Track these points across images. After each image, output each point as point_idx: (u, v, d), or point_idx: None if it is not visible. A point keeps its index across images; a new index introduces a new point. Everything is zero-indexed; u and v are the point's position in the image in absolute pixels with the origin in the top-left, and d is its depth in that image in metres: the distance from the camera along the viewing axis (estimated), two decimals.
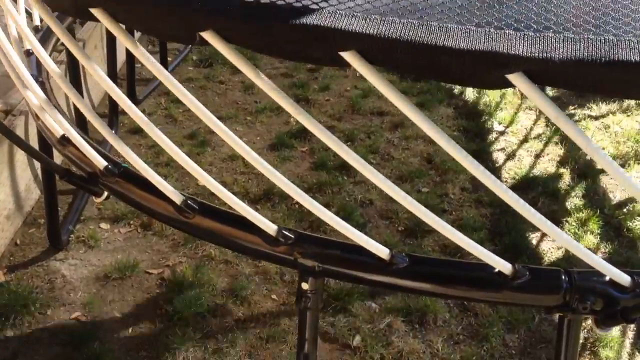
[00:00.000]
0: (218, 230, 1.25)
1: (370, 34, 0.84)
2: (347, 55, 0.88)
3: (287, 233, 1.18)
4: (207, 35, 0.96)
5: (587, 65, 0.77)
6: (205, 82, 3.91)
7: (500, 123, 3.55)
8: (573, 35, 0.77)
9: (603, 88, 0.84)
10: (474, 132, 3.46)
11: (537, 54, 0.78)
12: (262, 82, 1.02)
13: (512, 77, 0.81)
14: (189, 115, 3.42)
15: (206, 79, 3.96)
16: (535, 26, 0.79)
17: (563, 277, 1.13)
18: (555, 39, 0.77)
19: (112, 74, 3.12)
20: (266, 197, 2.80)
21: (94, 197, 1.44)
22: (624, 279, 1.10)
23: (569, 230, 2.63)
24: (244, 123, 3.48)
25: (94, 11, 1.04)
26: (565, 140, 3.30)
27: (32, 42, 1.34)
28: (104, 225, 2.55)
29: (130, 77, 3.38)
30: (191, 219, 1.25)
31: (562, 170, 3.10)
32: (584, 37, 0.77)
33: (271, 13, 0.89)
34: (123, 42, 1.09)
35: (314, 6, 0.88)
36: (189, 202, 1.24)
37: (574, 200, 2.87)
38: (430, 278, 1.21)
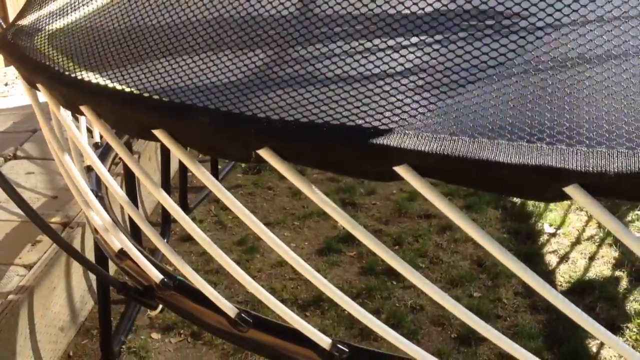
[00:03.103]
0: (272, 344, 1.25)
1: (422, 150, 0.86)
2: (400, 170, 0.90)
3: (341, 347, 1.16)
4: (263, 153, 0.99)
5: None
6: (254, 189, 3.99)
7: (551, 225, 3.50)
8: (627, 151, 0.78)
9: None
10: (524, 234, 3.41)
11: (591, 168, 0.78)
12: (317, 197, 1.04)
13: (568, 190, 0.82)
14: (238, 222, 3.47)
15: (254, 185, 4.04)
16: (587, 142, 0.80)
17: None
18: (609, 153, 0.78)
19: (165, 183, 3.22)
20: (315, 303, 2.78)
21: (148, 310, 1.46)
22: None
23: (629, 337, 2.53)
24: (292, 228, 3.50)
25: (156, 132, 1.10)
26: (619, 242, 3.22)
27: (94, 161, 1.41)
28: (155, 335, 2.55)
29: (182, 186, 3.48)
30: (245, 333, 1.25)
31: (618, 273, 3.01)
32: (638, 152, 0.78)
33: (326, 132, 0.92)
34: (182, 159, 1.14)
35: (367, 125, 0.91)
36: (243, 315, 1.25)
37: (634, 305, 2.76)
38: None
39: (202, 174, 1.14)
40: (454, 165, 0.85)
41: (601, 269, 3.07)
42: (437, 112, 0.90)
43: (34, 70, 1.30)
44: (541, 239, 3.38)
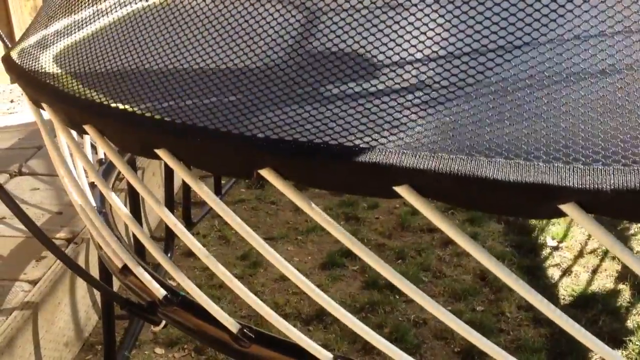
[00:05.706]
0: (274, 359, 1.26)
1: (420, 168, 0.87)
2: (401, 190, 0.91)
3: None
4: (264, 172, 1.01)
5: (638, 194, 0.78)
6: (257, 203, 3.99)
7: (553, 238, 3.50)
8: (622, 167, 0.79)
9: None
10: (527, 247, 3.41)
11: (587, 186, 0.79)
12: (316, 214, 1.05)
13: (565, 208, 0.83)
14: (242, 237, 3.46)
15: (258, 199, 4.04)
16: (583, 159, 0.81)
17: None
18: (605, 171, 0.79)
19: (169, 199, 3.23)
20: (318, 317, 2.78)
21: (152, 326, 1.47)
22: None
23: (632, 350, 2.52)
24: (295, 243, 3.51)
25: (159, 151, 1.11)
26: None
27: (96, 178, 1.42)
28: (158, 350, 2.55)
29: (186, 201, 3.49)
30: (247, 348, 1.26)
31: (621, 286, 3.00)
32: (634, 169, 0.79)
33: (325, 152, 0.93)
34: (184, 177, 1.15)
35: (365, 145, 0.92)
36: (245, 330, 1.26)
37: (637, 318, 2.76)
38: None
39: (203, 191, 1.15)
40: (452, 183, 0.86)
41: (604, 282, 3.07)
42: (434, 130, 0.91)
43: (39, 90, 1.32)
44: (544, 252, 3.38)
